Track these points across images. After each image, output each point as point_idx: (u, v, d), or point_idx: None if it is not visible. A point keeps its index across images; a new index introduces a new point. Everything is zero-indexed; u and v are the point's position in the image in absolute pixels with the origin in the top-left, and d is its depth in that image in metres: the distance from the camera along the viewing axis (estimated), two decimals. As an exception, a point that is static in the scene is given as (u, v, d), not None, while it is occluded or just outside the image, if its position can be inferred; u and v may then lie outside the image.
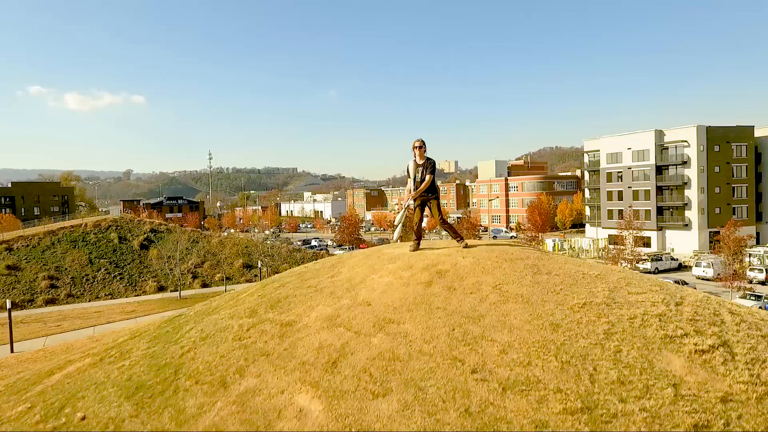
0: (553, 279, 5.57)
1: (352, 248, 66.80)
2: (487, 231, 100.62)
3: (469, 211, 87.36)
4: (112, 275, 45.74)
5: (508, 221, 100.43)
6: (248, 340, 4.91)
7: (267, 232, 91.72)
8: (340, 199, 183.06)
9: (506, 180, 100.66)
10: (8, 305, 29.23)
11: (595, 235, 65.12)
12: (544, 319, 4.57)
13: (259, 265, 43.54)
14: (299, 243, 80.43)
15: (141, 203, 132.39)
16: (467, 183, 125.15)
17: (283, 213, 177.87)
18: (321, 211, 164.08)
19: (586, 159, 74.19)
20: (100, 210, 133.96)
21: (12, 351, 27.92)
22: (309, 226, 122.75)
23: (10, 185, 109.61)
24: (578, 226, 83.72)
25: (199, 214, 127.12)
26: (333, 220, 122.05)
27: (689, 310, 5.16)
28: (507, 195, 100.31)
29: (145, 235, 50.81)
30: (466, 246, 6.87)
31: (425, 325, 4.57)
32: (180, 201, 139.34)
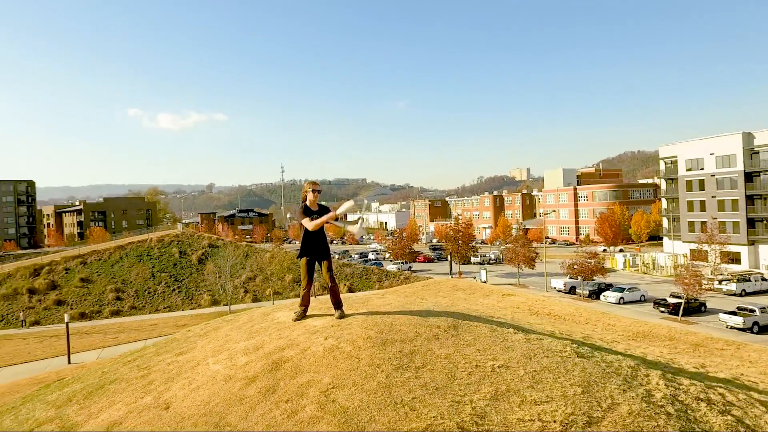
0: (418, 378, 4.18)
1: (406, 263, 65.48)
2: (555, 243, 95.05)
3: (539, 221, 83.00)
4: (171, 288, 48.02)
5: (577, 233, 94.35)
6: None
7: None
8: (404, 210, 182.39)
9: (575, 189, 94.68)
10: (66, 319, 31.22)
11: (673, 249, 58.85)
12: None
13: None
14: (356, 256, 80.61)
15: (216, 215, 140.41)
16: (534, 192, 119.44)
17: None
18: (385, 222, 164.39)
19: (661, 166, 67.70)
20: (182, 222, 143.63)
21: (69, 362, 29.82)
22: (370, 237, 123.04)
23: (102, 200, 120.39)
24: (656, 238, 76.47)
25: (267, 226, 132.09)
26: (401, 231, 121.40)
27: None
28: (576, 205, 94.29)
29: (203, 250, 53.03)
30: (342, 316, 5.72)
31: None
32: (251, 213, 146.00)
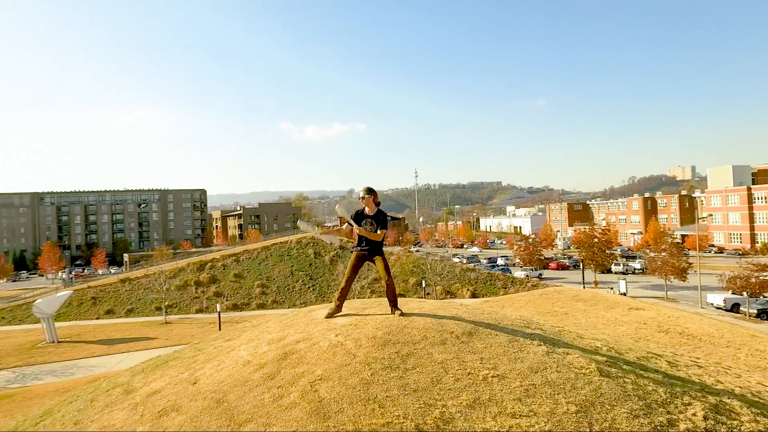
0: (401, 379, 4.31)
1: (536, 270, 62.31)
2: (722, 252, 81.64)
3: (700, 227, 72.61)
4: (307, 286, 52.55)
5: (753, 241, 80.00)
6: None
7: (442, 248, 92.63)
8: (540, 213, 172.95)
9: (749, 190, 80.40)
10: (218, 309, 36.30)
11: None
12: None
13: (423, 285, 44.29)
14: (484, 261, 78.94)
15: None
16: (696, 194, 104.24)
17: (482, 228, 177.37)
18: (519, 227, 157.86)
19: None
20: (324, 225, 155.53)
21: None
22: (501, 242, 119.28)
23: (257, 206, 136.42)
24: None
25: (400, 230, 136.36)
26: (533, 236, 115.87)
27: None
28: (750, 208, 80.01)
29: (335, 252, 57.00)
30: (402, 314, 5.94)
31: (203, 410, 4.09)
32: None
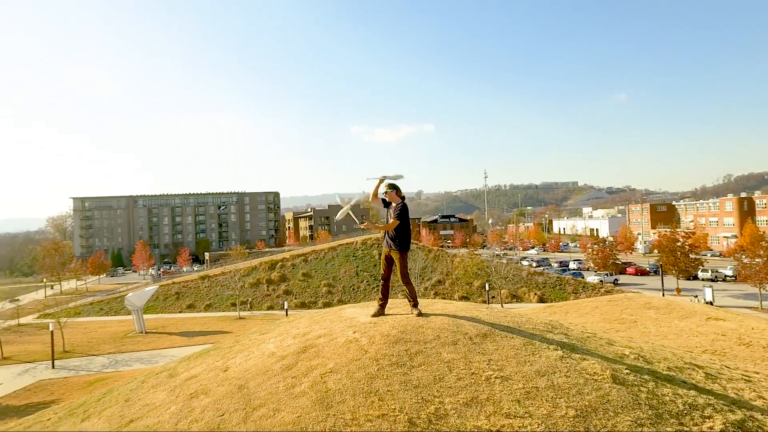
0: (405, 375, 4.50)
1: (611, 275, 58.91)
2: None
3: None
4: (371, 287, 53.45)
5: None
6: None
7: (497, 251, 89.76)
8: (620, 215, 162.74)
9: None
10: (285, 306, 38.03)
11: None
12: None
13: (487, 288, 43.49)
14: (555, 264, 75.79)
15: (420, 221, 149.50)
16: (756, 195, 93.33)
17: (555, 230, 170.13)
18: (596, 229, 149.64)
19: None
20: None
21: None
22: (575, 245, 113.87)
23: (327, 207, 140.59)
24: None
25: (468, 231, 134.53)
26: (610, 239, 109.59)
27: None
28: None
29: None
30: (420, 314, 6.12)
31: (226, 393, 4.55)
32: (452, 219, 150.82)
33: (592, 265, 65.35)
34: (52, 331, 32.75)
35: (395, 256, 6.32)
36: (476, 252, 77.04)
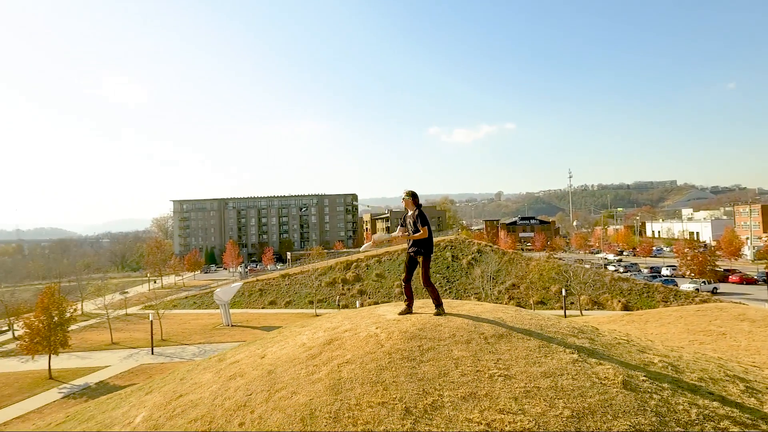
0: (413, 368, 4.80)
1: (709, 283, 53.70)
2: None
3: None
4: (444, 289, 53.31)
5: None
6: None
7: (587, 254, 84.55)
8: (726, 217, 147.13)
9: None
10: (357, 305, 39.14)
11: None
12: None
13: (563, 293, 41.65)
14: (645, 270, 70.48)
15: (499, 223, 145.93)
16: None
17: (648, 233, 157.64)
18: (696, 233, 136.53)
19: None
20: (470, 228, 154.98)
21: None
22: (669, 249, 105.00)
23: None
24: None
25: (549, 234, 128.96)
26: (713, 243, 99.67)
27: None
28: None
29: (473, 255, 56.79)
30: (438, 314, 6.42)
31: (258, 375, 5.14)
32: (532, 221, 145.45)
33: (688, 272, 59.98)
34: (151, 321, 36.51)
35: (419, 259, 6.63)
36: (555, 255, 73.82)
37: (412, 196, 6.63)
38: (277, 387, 4.92)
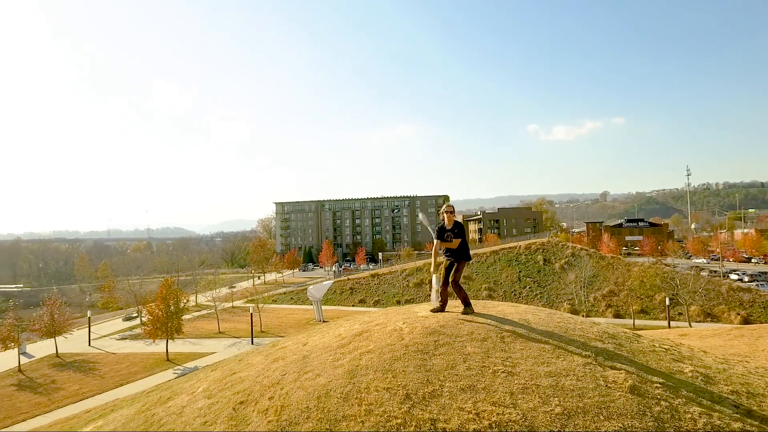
0: (424, 360, 5.18)
1: None
2: None
3: None
4: (534, 293, 51.47)
5: None
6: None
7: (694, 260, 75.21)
8: None
9: None
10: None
11: None
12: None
13: (667, 302, 38.13)
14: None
15: (602, 225, 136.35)
16: None
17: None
18: None
19: None
20: (570, 231, 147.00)
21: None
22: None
23: (497, 210, 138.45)
24: None
25: (660, 237, 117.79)
26: None
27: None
28: None
29: (566, 259, 54.03)
30: (466, 313, 6.74)
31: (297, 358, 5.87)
32: (640, 223, 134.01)
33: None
34: (251, 314, 39.89)
35: (461, 264, 7.00)
36: (664, 261, 67.44)
37: (452, 212, 7.06)
38: (306, 369, 5.59)
